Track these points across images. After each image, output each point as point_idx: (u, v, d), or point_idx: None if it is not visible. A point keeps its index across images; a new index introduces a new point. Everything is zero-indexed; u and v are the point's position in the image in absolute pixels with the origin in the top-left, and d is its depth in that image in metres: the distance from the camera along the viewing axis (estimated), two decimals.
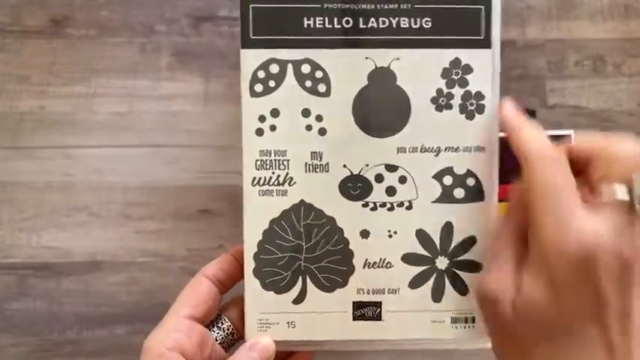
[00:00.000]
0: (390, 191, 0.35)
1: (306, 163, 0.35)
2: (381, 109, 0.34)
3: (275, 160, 0.35)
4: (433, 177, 0.35)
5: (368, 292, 0.35)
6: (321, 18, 0.34)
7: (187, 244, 0.49)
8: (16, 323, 0.48)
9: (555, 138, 0.49)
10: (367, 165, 0.35)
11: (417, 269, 0.35)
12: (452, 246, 0.35)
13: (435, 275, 0.35)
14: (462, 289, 0.35)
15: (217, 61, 0.49)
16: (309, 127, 0.35)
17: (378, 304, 0.35)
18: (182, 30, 0.49)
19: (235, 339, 0.36)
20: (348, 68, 0.34)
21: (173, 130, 0.49)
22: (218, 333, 0.36)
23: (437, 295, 0.35)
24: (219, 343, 0.36)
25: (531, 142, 0.31)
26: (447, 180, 0.35)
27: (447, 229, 0.35)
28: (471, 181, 0.35)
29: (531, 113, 0.49)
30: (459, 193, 0.35)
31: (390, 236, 0.35)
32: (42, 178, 0.49)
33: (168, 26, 0.49)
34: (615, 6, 0.50)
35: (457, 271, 0.35)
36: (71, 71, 0.49)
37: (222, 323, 0.36)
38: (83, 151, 0.49)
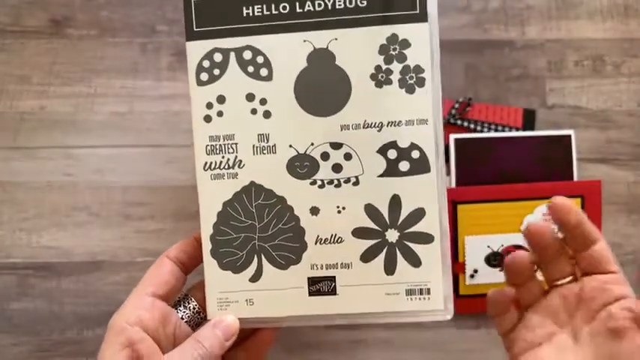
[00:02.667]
0: (337, 168, 0.36)
1: (253, 146, 0.36)
2: (322, 89, 0.35)
3: (224, 144, 0.36)
4: (377, 152, 0.35)
5: (322, 268, 0.36)
6: (260, 5, 0.35)
7: None
8: (17, 323, 0.48)
9: (555, 138, 0.49)
10: (312, 144, 0.36)
11: (368, 243, 0.36)
12: (401, 219, 0.36)
13: (386, 248, 0.36)
14: (414, 260, 0.36)
15: None
16: (254, 111, 0.36)
17: (332, 279, 0.36)
18: (182, 30, 0.49)
19: (202, 318, 0.37)
20: (288, 52, 0.35)
21: (173, 130, 0.49)
22: (185, 312, 0.37)
23: (389, 267, 0.36)
24: (187, 322, 0.37)
25: None
26: (392, 154, 0.35)
27: (395, 202, 0.35)
28: (415, 154, 0.35)
29: (531, 113, 0.49)
30: (404, 166, 0.35)
31: (339, 212, 0.36)
32: (42, 178, 0.49)
33: (169, 26, 0.49)
34: (615, 6, 0.50)
35: (408, 244, 0.36)
36: (71, 71, 0.49)
37: (189, 303, 0.37)
38: (83, 151, 0.49)
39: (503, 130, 0.49)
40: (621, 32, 0.50)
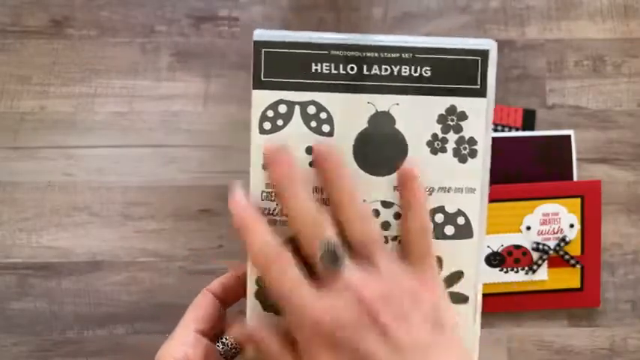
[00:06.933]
0: (386, 226, 0.36)
1: None
2: (379, 150, 0.36)
3: None
4: None
5: None
6: (328, 64, 0.36)
7: (187, 244, 0.49)
8: (17, 323, 0.49)
9: (555, 138, 0.49)
10: (365, 201, 0.36)
11: None
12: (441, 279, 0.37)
13: None
14: None
15: (217, 61, 0.49)
16: (312, 164, 0.36)
17: None
18: (182, 30, 0.50)
19: (238, 352, 0.38)
20: (351, 111, 0.36)
21: (173, 130, 0.49)
22: (223, 348, 0.38)
23: None
24: (223, 356, 0.37)
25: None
26: (439, 218, 0.36)
27: (437, 262, 0.36)
28: (461, 220, 0.36)
29: (531, 113, 0.49)
30: (449, 230, 0.36)
31: None
32: (42, 178, 0.49)
33: (169, 26, 0.50)
34: (615, 6, 0.50)
35: None
36: (72, 71, 0.49)
37: (227, 339, 0.38)
38: (83, 151, 0.49)
39: (503, 130, 0.49)
40: (621, 32, 0.50)
